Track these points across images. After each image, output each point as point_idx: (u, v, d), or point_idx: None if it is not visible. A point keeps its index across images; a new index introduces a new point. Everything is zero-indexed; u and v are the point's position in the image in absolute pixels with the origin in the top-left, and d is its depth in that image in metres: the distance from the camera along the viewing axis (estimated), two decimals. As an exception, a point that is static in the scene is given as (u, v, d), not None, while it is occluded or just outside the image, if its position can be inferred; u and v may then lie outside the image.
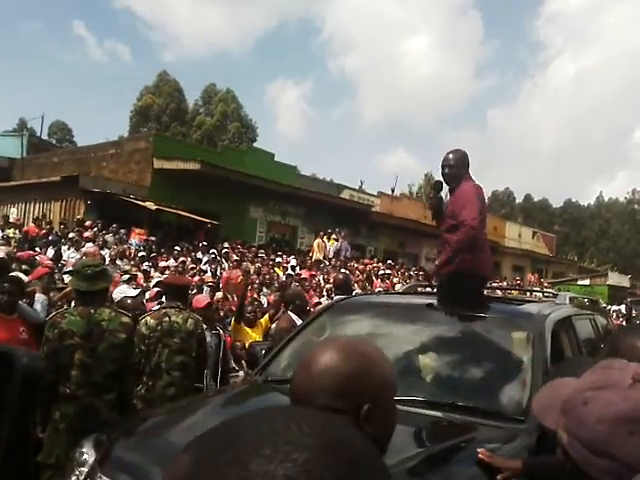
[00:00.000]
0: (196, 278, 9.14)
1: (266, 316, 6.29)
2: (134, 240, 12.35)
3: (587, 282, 26.49)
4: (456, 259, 3.30)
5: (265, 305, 7.95)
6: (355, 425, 0.88)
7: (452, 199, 3.44)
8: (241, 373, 5.02)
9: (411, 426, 2.30)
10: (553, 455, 1.52)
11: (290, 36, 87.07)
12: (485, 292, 3.93)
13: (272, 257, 14.20)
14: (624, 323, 12.02)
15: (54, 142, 35.55)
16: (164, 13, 77.04)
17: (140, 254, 10.91)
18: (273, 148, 42.31)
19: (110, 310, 3.62)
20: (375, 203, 22.20)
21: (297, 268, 12.96)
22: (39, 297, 4.92)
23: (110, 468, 2.23)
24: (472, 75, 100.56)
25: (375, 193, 23.73)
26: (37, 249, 9.75)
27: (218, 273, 10.80)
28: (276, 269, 12.66)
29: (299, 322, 4.29)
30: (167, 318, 4.05)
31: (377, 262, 17.54)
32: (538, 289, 10.00)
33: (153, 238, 12.73)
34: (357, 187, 25.81)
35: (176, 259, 11.11)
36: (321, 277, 12.56)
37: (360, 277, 13.67)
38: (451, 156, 3.41)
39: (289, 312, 4.83)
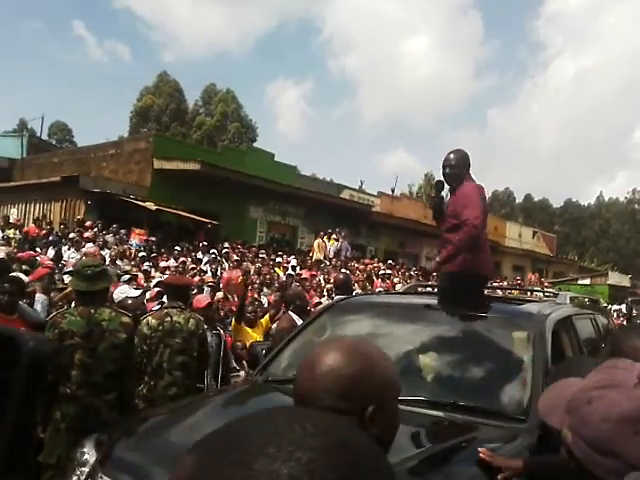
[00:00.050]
0: (196, 278, 9.14)
1: (266, 316, 6.29)
2: (134, 240, 12.35)
3: (588, 282, 26.50)
4: (457, 258, 3.30)
5: (265, 305, 7.94)
6: (359, 426, 0.88)
7: (454, 199, 3.44)
8: (242, 373, 5.03)
9: (412, 426, 2.30)
10: (554, 454, 1.52)
11: (290, 36, 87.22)
12: (486, 292, 3.93)
13: (272, 257, 14.20)
14: (625, 322, 12.03)
15: (54, 142, 35.57)
16: (164, 13, 77.18)
17: (140, 254, 10.92)
18: (273, 148, 42.35)
19: (110, 310, 3.62)
20: (375, 203, 22.21)
21: (297, 268, 12.96)
22: (39, 297, 4.92)
23: (111, 468, 2.23)
24: (472, 75, 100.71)
25: (375, 193, 23.75)
26: (37, 249, 9.75)
27: (218, 273, 10.80)
28: (276, 269, 12.66)
29: (299, 322, 4.30)
30: (169, 318, 4.05)
31: (377, 262, 17.54)
32: (538, 289, 9.99)
33: (153, 238, 12.73)
34: (357, 187, 25.85)
35: (176, 259, 11.12)
36: (321, 277, 12.56)
37: (360, 277, 13.68)
38: (452, 156, 3.42)
39: (289, 312, 4.84)
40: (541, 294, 5.90)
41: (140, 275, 8.92)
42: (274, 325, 5.52)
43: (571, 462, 0.90)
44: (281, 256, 14.59)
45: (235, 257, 12.70)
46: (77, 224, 12.48)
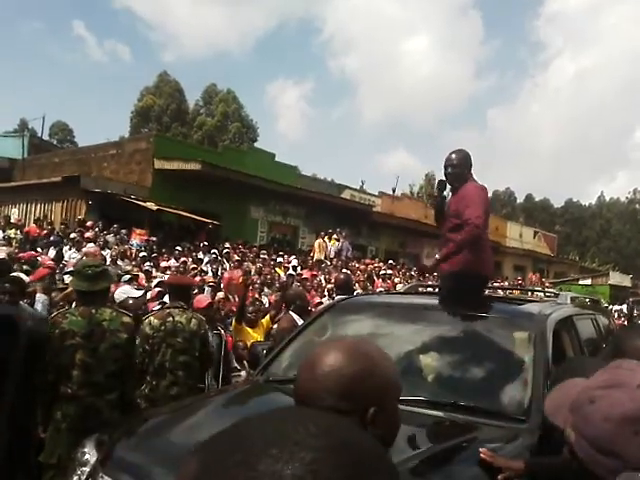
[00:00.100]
0: (197, 278, 9.14)
1: (267, 316, 6.29)
2: (135, 240, 12.36)
3: (588, 282, 26.51)
4: (458, 257, 3.30)
5: (266, 305, 7.94)
6: (361, 426, 0.88)
7: (456, 198, 3.44)
8: (243, 373, 5.03)
9: (413, 426, 2.30)
10: (555, 455, 1.52)
11: (290, 36, 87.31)
12: (486, 292, 3.92)
13: (273, 257, 14.21)
14: (626, 323, 12.02)
15: (55, 143, 35.59)
16: (164, 13, 77.28)
17: (141, 254, 10.93)
18: (274, 148, 42.27)
19: (111, 310, 3.62)
20: (376, 203, 22.22)
21: (298, 268, 12.96)
22: (40, 297, 4.92)
23: (112, 468, 2.23)
24: (472, 75, 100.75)
25: (376, 193, 23.75)
26: (38, 250, 9.75)
27: (219, 273, 10.81)
28: (277, 269, 12.67)
29: (300, 322, 4.30)
30: (171, 318, 4.06)
31: (378, 262, 17.54)
32: (539, 289, 9.99)
33: (154, 238, 12.74)
34: (358, 187, 25.84)
35: (177, 259, 11.13)
36: (322, 277, 12.56)
37: (361, 277, 13.67)
38: (454, 156, 3.42)
39: (290, 312, 4.83)
40: (542, 294, 5.90)
41: (141, 275, 8.92)
42: (275, 325, 5.52)
43: (573, 462, 0.90)
44: (282, 256, 14.59)
45: (236, 257, 12.71)
46: (78, 224, 12.48)
